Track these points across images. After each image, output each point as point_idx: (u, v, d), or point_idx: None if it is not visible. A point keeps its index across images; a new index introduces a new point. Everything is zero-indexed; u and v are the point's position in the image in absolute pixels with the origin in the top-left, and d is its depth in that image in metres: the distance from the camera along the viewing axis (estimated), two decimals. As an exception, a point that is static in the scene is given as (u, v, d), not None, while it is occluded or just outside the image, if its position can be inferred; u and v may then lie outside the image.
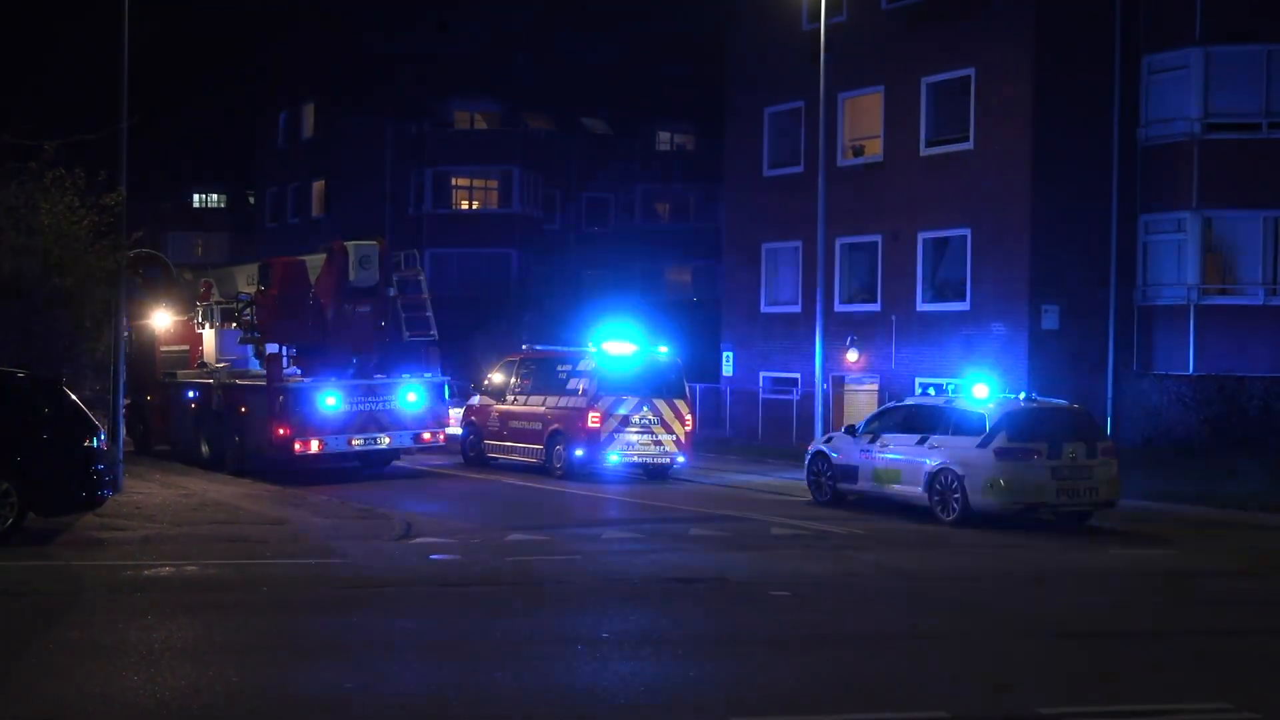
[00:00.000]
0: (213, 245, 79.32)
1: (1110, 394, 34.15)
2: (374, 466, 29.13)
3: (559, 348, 31.92)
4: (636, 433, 28.46)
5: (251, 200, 73.95)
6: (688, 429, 29.24)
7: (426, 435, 28.39)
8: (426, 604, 14.54)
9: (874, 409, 29.41)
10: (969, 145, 35.02)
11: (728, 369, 41.48)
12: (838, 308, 37.38)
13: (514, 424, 30.26)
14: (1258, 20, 33.25)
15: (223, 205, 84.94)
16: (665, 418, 28.70)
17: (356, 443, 27.58)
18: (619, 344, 29.04)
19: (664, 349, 29.69)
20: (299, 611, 13.93)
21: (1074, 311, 33.94)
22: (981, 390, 22.89)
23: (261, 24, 64.89)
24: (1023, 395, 23.36)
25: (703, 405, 40.19)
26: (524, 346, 32.89)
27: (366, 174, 58.25)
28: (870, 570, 17.37)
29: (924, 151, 36.17)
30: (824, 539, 20.31)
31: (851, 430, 24.67)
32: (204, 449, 29.28)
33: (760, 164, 40.97)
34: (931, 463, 22.37)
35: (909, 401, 24.98)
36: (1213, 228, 33.99)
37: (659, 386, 28.91)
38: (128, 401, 26.90)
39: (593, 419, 28.19)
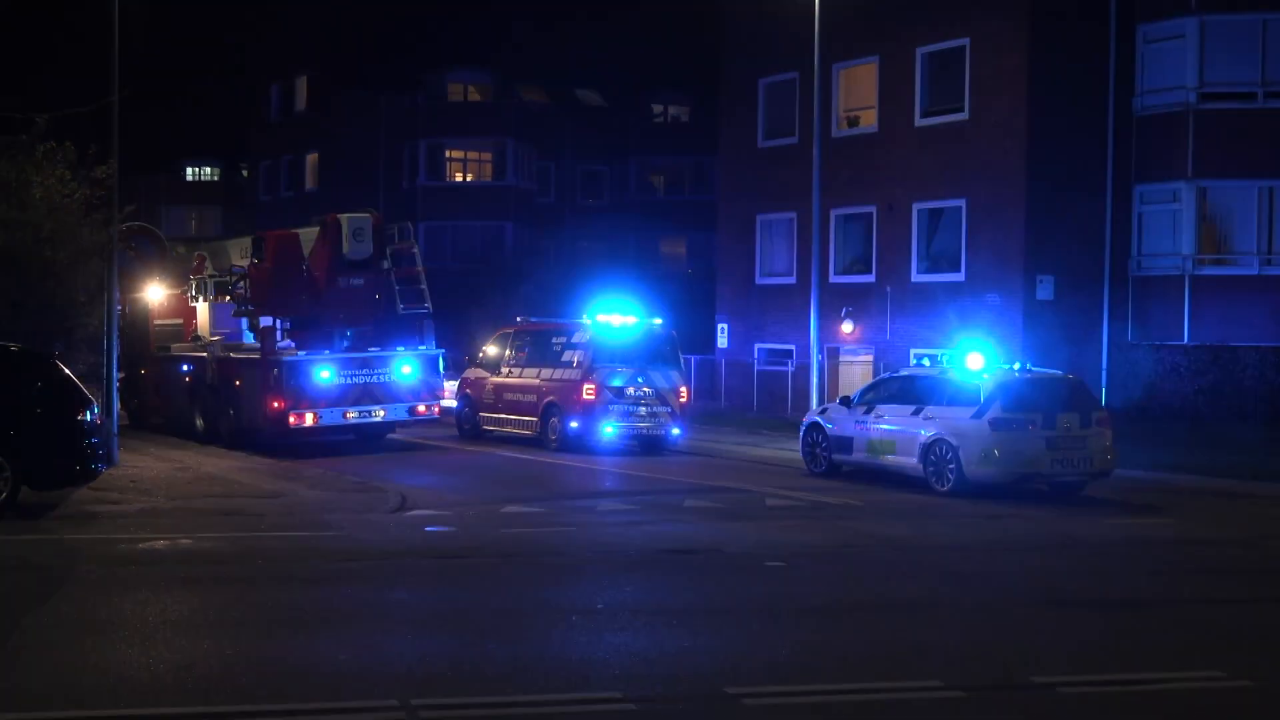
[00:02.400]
0: (206, 219, 79.09)
1: (1105, 364, 34.18)
2: (369, 440, 29.11)
3: (553, 320, 31.89)
4: (631, 405, 28.42)
5: (245, 174, 73.76)
6: (683, 401, 29.22)
7: (421, 408, 28.34)
8: (421, 576, 14.55)
9: (869, 380, 29.39)
10: (964, 116, 34.95)
11: (723, 341, 41.47)
12: (832, 279, 37.36)
13: (509, 396, 30.24)
14: (1253, -11, 33.18)
15: (216, 179, 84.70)
16: (660, 389, 28.67)
17: (351, 416, 27.56)
18: (614, 316, 29.01)
19: (659, 321, 29.65)
20: (294, 584, 13.93)
21: (1069, 282, 33.93)
22: (976, 361, 22.87)
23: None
24: (1017, 366, 23.35)
25: (698, 377, 40.21)
26: (518, 319, 32.83)
27: (360, 147, 58.09)
28: (865, 541, 17.39)
29: (919, 122, 36.10)
30: (819, 510, 20.32)
31: (846, 401, 24.65)
32: (198, 423, 29.26)
33: (755, 135, 40.89)
34: (926, 433, 22.37)
35: (904, 372, 24.97)
36: (1208, 198, 33.96)
37: (654, 358, 28.87)
38: (122, 375, 26.89)
39: (587, 391, 28.16)
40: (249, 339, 29.37)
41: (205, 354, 29.56)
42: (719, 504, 20.79)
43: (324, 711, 9.35)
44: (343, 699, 9.58)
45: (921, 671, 10.55)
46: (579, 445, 28.44)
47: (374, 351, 28.07)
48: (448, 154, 59.50)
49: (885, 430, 23.29)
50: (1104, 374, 33.98)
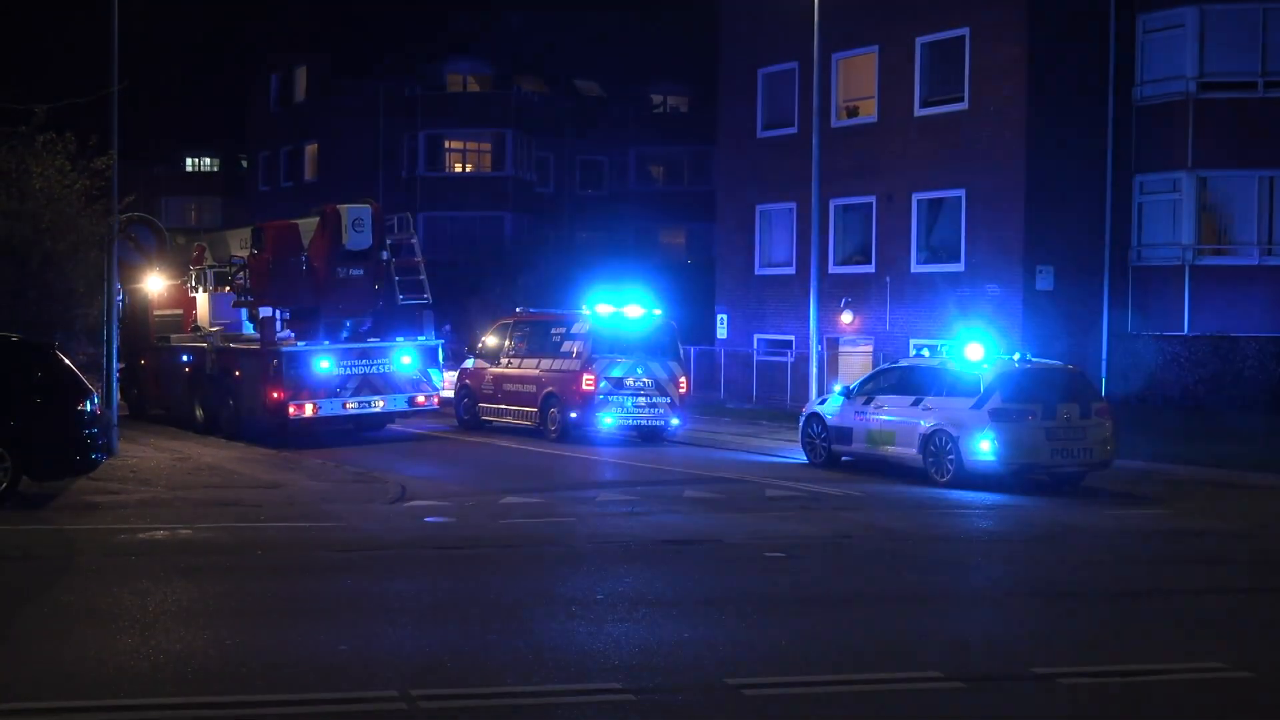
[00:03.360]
0: (206, 209, 79.09)
1: (1105, 354, 34.16)
2: (368, 430, 29.12)
3: (553, 310, 31.89)
4: (631, 395, 28.43)
5: (244, 164, 73.70)
6: (682, 391, 29.22)
7: (421, 399, 28.35)
8: (421, 567, 14.55)
9: (868, 371, 29.38)
10: (963, 105, 34.90)
11: (722, 331, 41.45)
12: (832, 269, 37.33)
13: (508, 387, 30.24)
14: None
15: (216, 169, 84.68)
16: (659, 380, 28.67)
17: (351, 406, 27.56)
18: (613, 307, 28.99)
19: (658, 311, 29.63)
20: (293, 574, 13.93)
21: (1069, 272, 33.90)
22: (976, 351, 22.84)
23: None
24: (1017, 356, 23.33)
25: (697, 367, 40.17)
26: (518, 309, 32.83)
27: (359, 137, 58.02)
28: (864, 532, 17.39)
29: (918, 112, 36.06)
30: (818, 501, 20.32)
31: (846, 392, 24.65)
32: (198, 413, 29.26)
33: (754, 125, 40.84)
34: (926, 424, 22.36)
35: (903, 363, 24.96)
36: (1208, 188, 33.93)
37: (653, 349, 28.87)
38: (122, 366, 26.86)
39: (587, 381, 28.16)
40: (249, 329, 29.36)
41: (205, 344, 29.56)
42: (718, 494, 20.79)
43: (324, 701, 9.35)
44: (342, 689, 9.59)
45: (921, 662, 10.55)
46: (578, 436, 28.45)
47: (373, 342, 28.08)
48: (447, 144, 59.45)
49: (884, 421, 23.29)
50: (1104, 364, 33.96)
